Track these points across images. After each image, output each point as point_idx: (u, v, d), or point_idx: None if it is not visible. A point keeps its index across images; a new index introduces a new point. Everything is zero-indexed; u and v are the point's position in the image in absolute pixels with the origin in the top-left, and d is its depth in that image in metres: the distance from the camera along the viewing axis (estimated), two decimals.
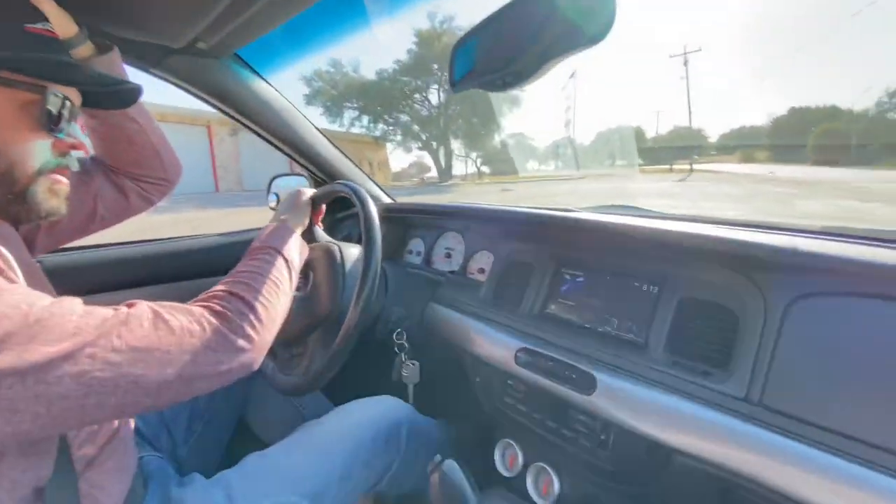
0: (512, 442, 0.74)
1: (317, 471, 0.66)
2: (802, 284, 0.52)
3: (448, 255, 1.07)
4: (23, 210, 0.50)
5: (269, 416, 0.97)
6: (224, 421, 0.91)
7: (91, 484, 0.51)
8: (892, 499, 0.39)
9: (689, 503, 0.56)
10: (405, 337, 0.85)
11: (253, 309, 0.51)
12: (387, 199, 1.26)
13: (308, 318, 0.77)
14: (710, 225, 0.63)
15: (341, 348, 0.68)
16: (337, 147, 1.13)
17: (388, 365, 0.89)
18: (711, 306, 0.59)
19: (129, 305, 0.44)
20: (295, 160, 1.09)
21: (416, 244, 1.16)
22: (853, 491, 0.41)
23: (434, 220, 1.08)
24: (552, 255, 0.80)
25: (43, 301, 0.38)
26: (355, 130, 24.21)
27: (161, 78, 0.87)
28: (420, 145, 27.15)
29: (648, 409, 0.56)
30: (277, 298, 0.56)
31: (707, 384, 0.54)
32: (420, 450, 0.77)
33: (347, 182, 0.79)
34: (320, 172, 1.15)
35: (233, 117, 0.99)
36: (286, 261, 0.61)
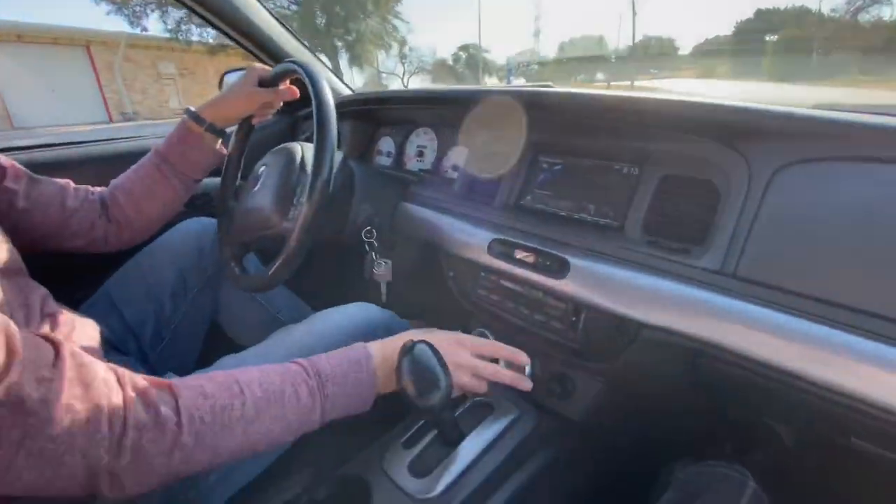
0: (485, 331, 0.74)
1: None
2: (790, 150, 0.49)
3: (420, 154, 1.00)
4: None
5: (242, 319, 0.96)
6: (194, 326, 0.90)
7: None
8: (873, 362, 0.39)
9: (655, 372, 0.57)
10: (375, 235, 0.81)
11: (168, 463, 0.39)
12: (346, 91, 1.15)
13: (263, 224, 0.72)
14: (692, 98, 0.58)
15: (295, 246, 0.63)
16: (286, 27, 0.99)
17: (360, 266, 0.86)
18: (693, 182, 0.56)
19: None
20: (241, 44, 0.96)
21: (386, 144, 1.08)
22: (826, 354, 0.41)
23: (403, 112, 0.99)
24: (529, 143, 0.75)
25: None
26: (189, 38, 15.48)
27: None
28: None
29: (620, 288, 0.55)
30: (229, 449, 0.43)
31: (682, 260, 0.53)
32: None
33: (296, 59, 0.70)
34: (271, 59, 1.02)
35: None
36: (311, 417, 0.48)
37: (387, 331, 0.76)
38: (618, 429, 0.69)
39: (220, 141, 0.87)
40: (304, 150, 0.74)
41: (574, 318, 0.61)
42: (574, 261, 0.60)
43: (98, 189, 0.82)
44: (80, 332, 0.62)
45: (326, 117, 0.63)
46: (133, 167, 0.84)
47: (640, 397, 0.65)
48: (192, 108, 0.82)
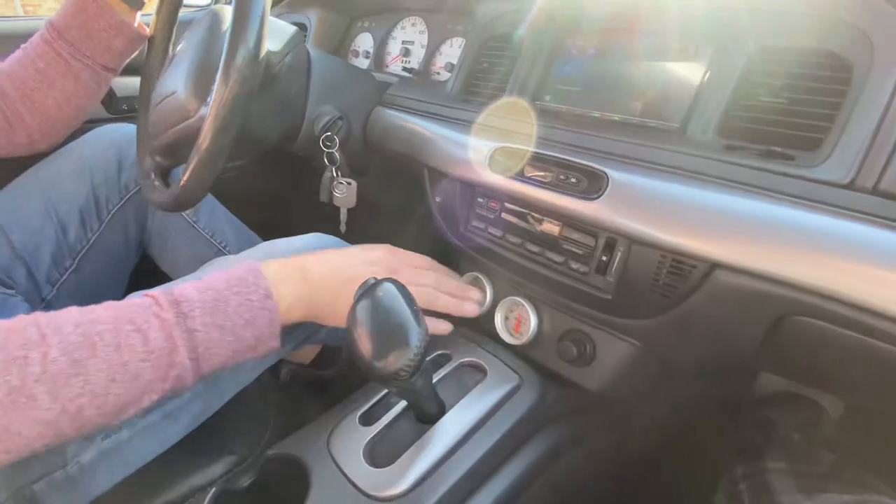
0: (479, 275, 0.57)
1: None
2: None
3: (406, 53, 0.79)
4: None
5: (178, 253, 0.77)
6: (111, 255, 0.71)
7: None
8: None
9: (719, 332, 0.40)
10: (336, 145, 0.61)
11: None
12: None
13: (178, 113, 0.52)
14: None
15: (210, 143, 0.44)
16: None
17: (317, 185, 0.67)
18: (804, 56, 0.37)
19: None
20: None
21: (364, 41, 0.86)
22: None
23: None
24: (552, 18, 0.54)
25: None
26: None
27: None
28: None
29: (682, 210, 0.37)
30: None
31: (785, 170, 0.35)
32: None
33: None
34: None
35: None
36: (183, 378, 0.33)
37: None
38: (649, 403, 0.54)
39: (135, 14, 0.65)
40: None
41: (605, 258, 0.43)
42: (614, 174, 0.42)
43: None
44: None
45: None
46: (23, 45, 0.63)
47: (687, 364, 0.50)
48: None
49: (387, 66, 0.82)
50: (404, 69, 0.77)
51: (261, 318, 0.36)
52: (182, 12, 0.66)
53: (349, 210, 0.67)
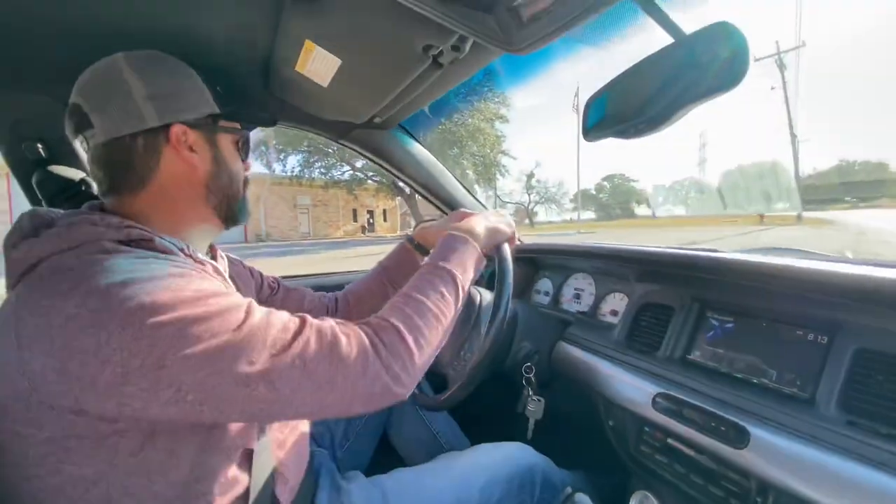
0: (649, 495, 0.70)
1: (456, 497, 0.70)
2: None
3: (577, 297, 1.08)
4: (239, 213, 0.66)
5: (407, 434, 1.07)
6: (372, 433, 1.04)
7: (279, 460, 0.64)
8: None
9: None
10: (533, 372, 0.88)
11: (408, 348, 0.54)
12: None
13: (447, 353, 0.86)
14: (889, 268, 0.56)
15: (471, 379, 0.74)
16: (473, 195, 1.26)
17: (514, 398, 0.92)
18: None
19: (302, 322, 0.52)
20: (440, 209, 1.25)
21: (544, 284, 1.20)
22: None
23: (563, 260, 1.11)
24: (695, 298, 0.77)
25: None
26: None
27: (345, 146, 1.11)
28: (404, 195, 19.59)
29: (817, 473, 0.50)
30: (437, 332, 0.58)
31: (894, 449, 0.46)
32: (553, 501, 0.77)
33: None
34: (444, 204, 1.27)
35: (394, 174, 1.20)
36: (456, 284, 0.63)
37: (543, 476, 0.77)
38: None
39: (424, 257, 1.08)
40: (481, 296, 0.89)
41: (759, 500, 0.55)
42: (755, 431, 0.57)
43: (331, 294, 1.04)
44: (294, 423, 0.78)
45: (506, 273, 0.77)
46: (363, 276, 1.10)
47: None
48: (410, 233, 1.07)
49: (562, 305, 1.12)
50: (577, 312, 1.05)
51: (471, 249, 0.68)
52: None
53: (535, 420, 0.90)
